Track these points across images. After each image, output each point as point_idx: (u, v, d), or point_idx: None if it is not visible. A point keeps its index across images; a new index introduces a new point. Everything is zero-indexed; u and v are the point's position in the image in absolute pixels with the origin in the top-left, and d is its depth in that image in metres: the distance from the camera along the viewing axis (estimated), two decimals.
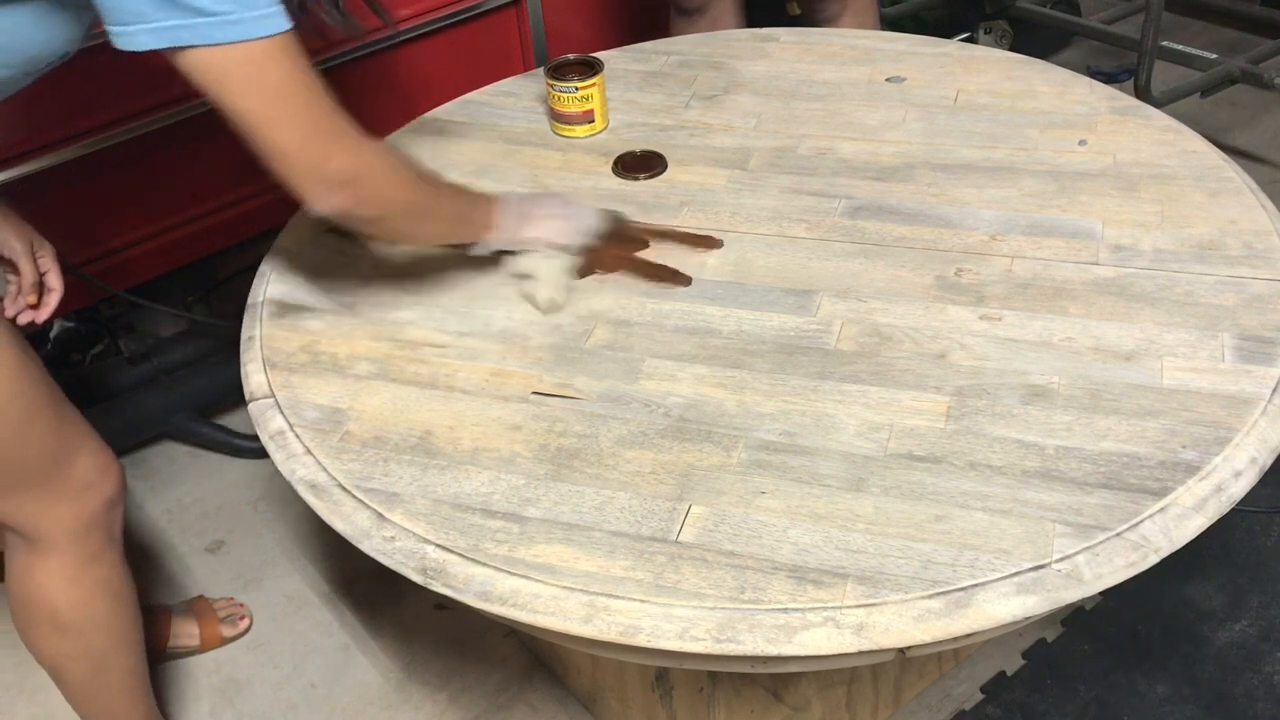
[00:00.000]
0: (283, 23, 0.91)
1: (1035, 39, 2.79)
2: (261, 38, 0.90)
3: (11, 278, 1.20)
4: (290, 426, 1.05)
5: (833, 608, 0.84)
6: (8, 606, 1.26)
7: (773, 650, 0.83)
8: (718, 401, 1.04)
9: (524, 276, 1.19)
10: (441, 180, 1.14)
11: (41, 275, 1.21)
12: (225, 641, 1.61)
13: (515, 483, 0.98)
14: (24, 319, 1.20)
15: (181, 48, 0.89)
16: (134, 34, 0.88)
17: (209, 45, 0.89)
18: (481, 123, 1.53)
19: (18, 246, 1.19)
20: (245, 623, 1.63)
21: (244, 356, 1.16)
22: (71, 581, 1.21)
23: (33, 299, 1.21)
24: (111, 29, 0.89)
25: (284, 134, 0.94)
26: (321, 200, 0.98)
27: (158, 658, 1.57)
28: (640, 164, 1.40)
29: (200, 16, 0.87)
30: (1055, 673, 1.49)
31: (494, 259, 1.20)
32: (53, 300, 1.21)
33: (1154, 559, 0.88)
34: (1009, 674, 1.50)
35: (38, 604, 1.22)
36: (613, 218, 1.26)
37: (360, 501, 0.97)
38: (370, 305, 1.21)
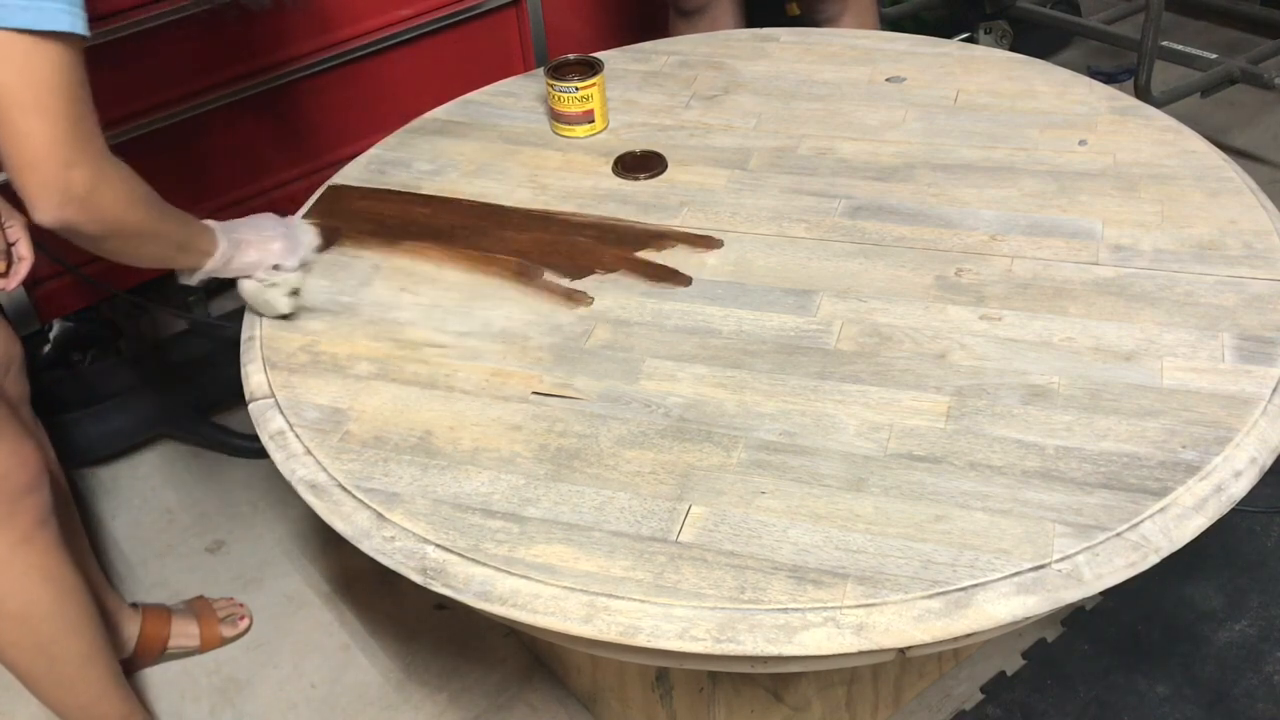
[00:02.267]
0: (78, 24, 0.91)
1: (1035, 39, 2.79)
2: (50, 31, 0.89)
3: None
4: (290, 426, 1.05)
5: (833, 608, 0.84)
6: None
7: (773, 650, 0.83)
8: (718, 401, 1.04)
9: (250, 302, 1.19)
10: (167, 205, 1.11)
11: (11, 245, 1.19)
12: (225, 641, 1.61)
13: (515, 483, 0.98)
14: None
15: None
16: None
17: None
18: (481, 123, 1.53)
19: None
20: (245, 623, 1.63)
21: (244, 356, 1.16)
22: (3, 567, 1.20)
23: (1, 266, 1.19)
24: None
25: (38, 125, 0.92)
26: (52, 207, 0.95)
27: (157, 658, 1.57)
28: (640, 164, 1.40)
29: None
30: (1055, 673, 1.49)
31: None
32: (22, 269, 1.19)
33: (1154, 559, 0.88)
34: (1009, 674, 1.50)
35: None
36: (322, 232, 1.28)
37: (360, 501, 0.97)
38: (370, 305, 1.21)
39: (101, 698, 1.35)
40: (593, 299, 1.19)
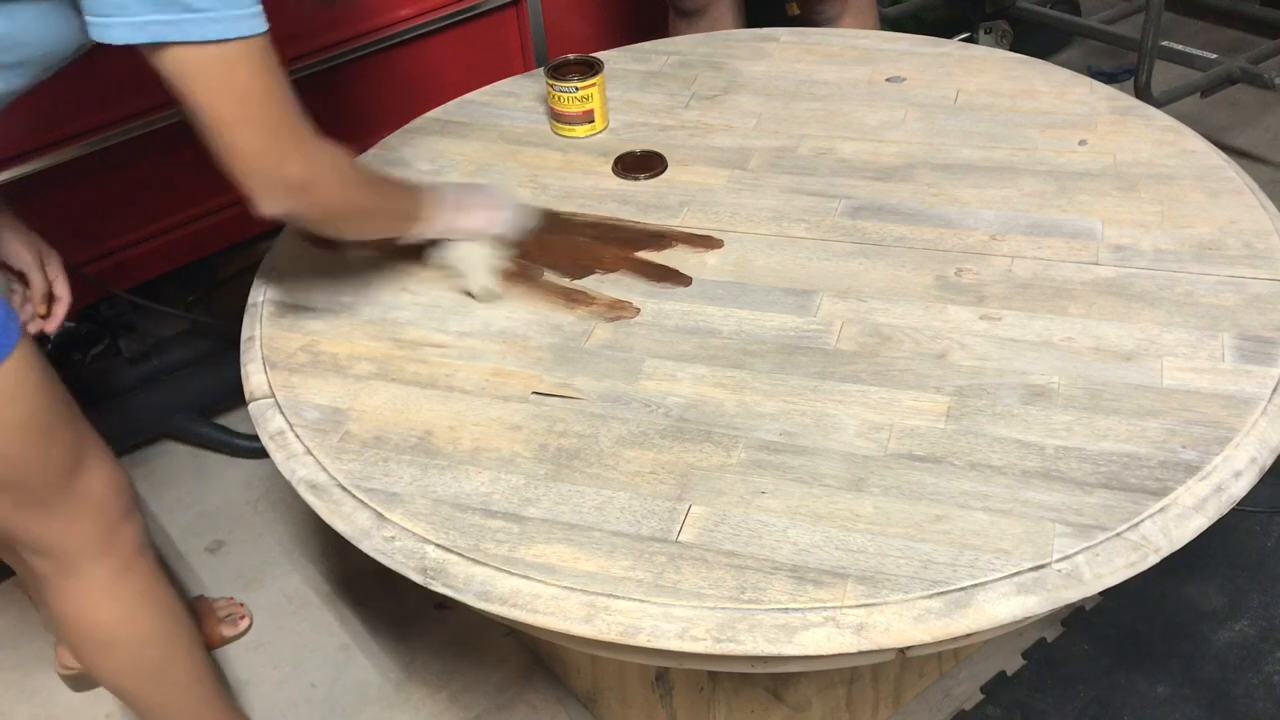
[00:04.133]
0: (261, 24, 0.91)
1: (1035, 39, 2.79)
2: (238, 38, 0.90)
3: (16, 287, 1.20)
4: (290, 426, 1.05)
5: (833, 608, 0.84)
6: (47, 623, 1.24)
7: (773, 650, 0.83)
8: (718, 401, 1.04)
9: (452, 268, 1.21)
10: (382, 177, 1.16)
11: (49, 284, 1.21)
12: (225, 641, 1.61)
13: (515, 483, 0.98)
14: (34, 328, 1.20)
15: (159, 44, 0.89)
16: (113, 26, 0.88)
17: (186, 43, 0.89)
18: (481, 123, 1.53)
19: (28, 258, 1.19)
20: (245, 622, 1.63)
21: (244, 356, 1.16)
22: (109, 596, 1.19)
23: (43, 309, 1.21)
24: (91, 19, 0.89)
25: (245, 136, 0.94)
26: (273, 203, 0.99)
27: None
28: (640, 164, 1.40)
29: (184, 13, 0.87)
30: (1055, 673, 1.49)
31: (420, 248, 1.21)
32: (60, 311, 1.21)
33: (1154, 559, 0.88)
34: (1009, 674, 1.50)
35: (81, 625, 1.21)
36: (543, 214, 1.30)
37: (360, 501, 0.97)
38: (370, 305, 1.21)
39: (209, 714, 1.34)
40: (595, 299, 1.19)
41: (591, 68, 1.47)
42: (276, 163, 0.97)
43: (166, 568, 1.73)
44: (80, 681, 1.54)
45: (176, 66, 0.90)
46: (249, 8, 0.90)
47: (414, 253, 1.22)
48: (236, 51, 0.91)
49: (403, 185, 1.20)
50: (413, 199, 1.17)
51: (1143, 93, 2.33)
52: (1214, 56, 2.44)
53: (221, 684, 1.37)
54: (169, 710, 1.30)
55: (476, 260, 1.20)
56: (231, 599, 1.65)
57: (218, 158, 0.96)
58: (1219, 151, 1.35)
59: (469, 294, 1.19)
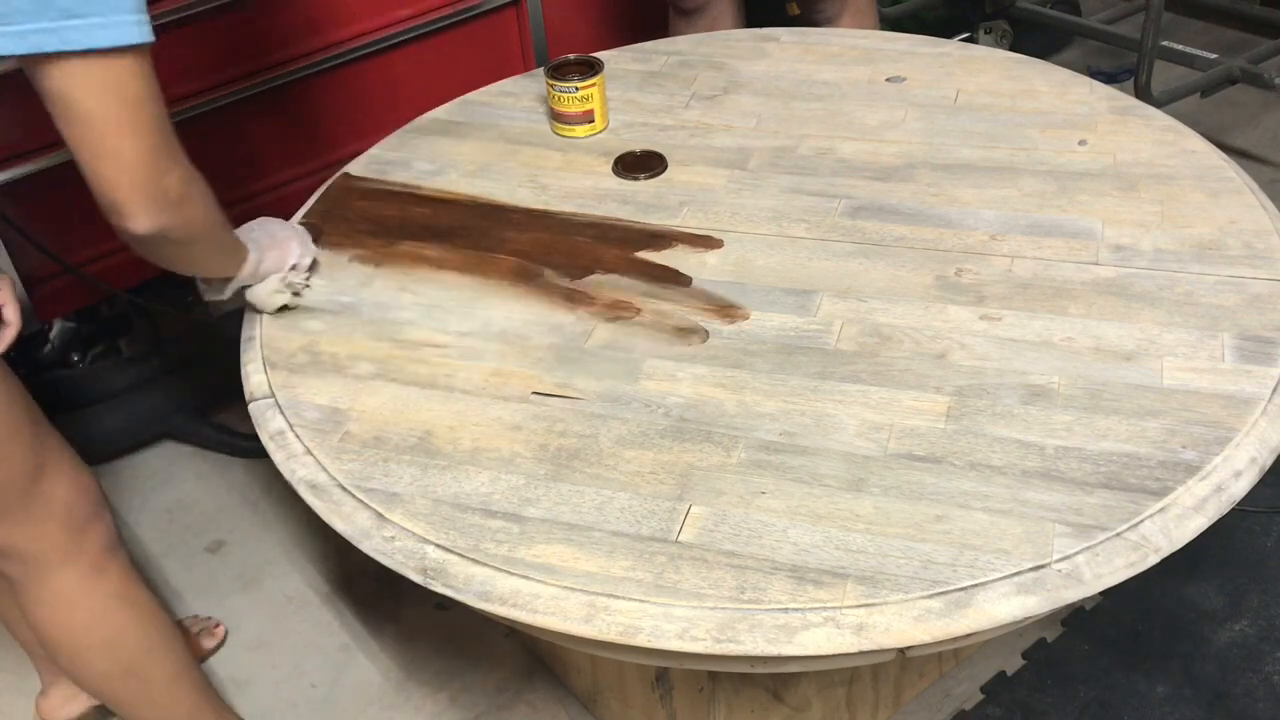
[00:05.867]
0: (147, 32, 0.90)
1: (1035, 39, 2.79)
2: (126, 45, 0.88)
3: None
4: (290, 426, 1.05)
5: (833, 608, 0.84)
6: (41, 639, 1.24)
7: (773, 650, 0.83)
8: (718, 401, 1.04)
9: (265, 299, 1.19)
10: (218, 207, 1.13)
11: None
12: (209, 653, 1.60)
13: (515, 483, 0.98)
14: None
15: (42, 54, 0.86)
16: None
17: (72, 51, 0.86)
18: (481, 123, 1.53)
19: None
20: (221, 630, 1.62)
21: (244, 356, 1.16)
22: (82, 598, 1.19)
23: None
24: None
25: (131, 144, 0.92)
26: (150, 217, 0.96)
27: None
28: (640, 164, 1.40)
29: (65, 19, 0.85)
30: (1055, 673, 1.49)
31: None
32: (8, 335, 1.16)
33: (1154, 559, 0.88)
34: (1009, 674, 1.50)
35: (55, 629, 1.21)
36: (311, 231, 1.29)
37: (360, 501, 0.97)
38: (370, 305, 1.21)
39: (195, 711, 1.34)
40: (595, 299, 1.19)
41: (591, 68, 1.47)
42: (159, 174, 0.95)
43: (165, 567, 1.74)
44: None
45: (60, 76, 0.88)
46: (135, 14, 0.88)
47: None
48: (123, 59, 0.89)
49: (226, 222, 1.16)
50: (234, 237, 1.14)
51: (1143, 93, 2.32)
52: (1214, 56, 2.43)
53: (205, 682, 1.37)
54: (153, 708, 1.30)
55: (274, 296, 1.19)
56: (196, 616, 1.64)
57: (92, 174, 0.94)
58: (1219, 151, 1.35)
59: (268, 312, 1.19)
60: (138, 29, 0.89)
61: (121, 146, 0.92)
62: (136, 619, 1.25)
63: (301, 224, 1.31)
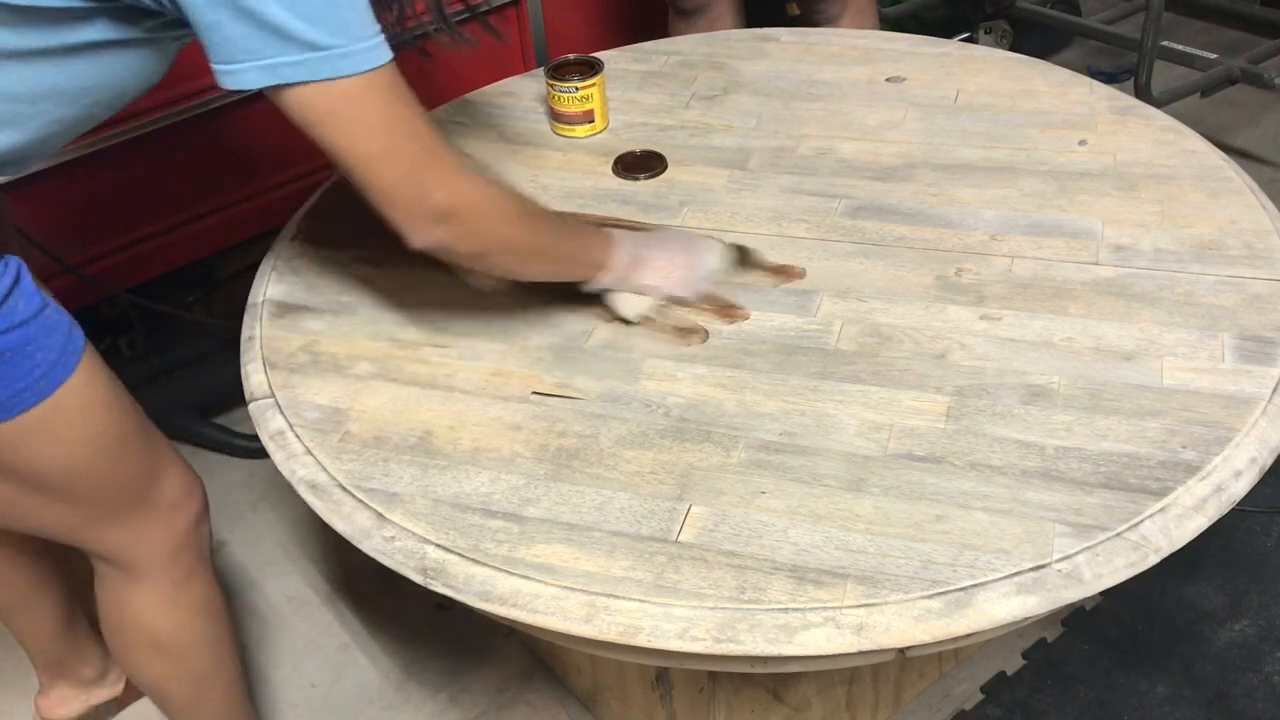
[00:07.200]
0: (386, 52, 0.89)
1: (1035, 39, 2.79)
2: (366, 71, 0.88)
3: None
4: (290, 426, 1.05)
5: (833, 608, 0.84)
6: (101, 629, 1.23)
7: (773, 650, 0.83)
8: (718, 401, 1.04)
9: (609, 303, 1.15)
10: (553, 216, 1.09)
11: None
12: None
13: (515, 483, 0.98)
14: None
15: (288, 85, 0.87)
16: (244, 71, 0.86)
17: (316, 81, 0.86)
18: (481, 123, 1.53)
19: None
20: None
21: (244, 356, 1.16)
22: (169, 604, 1.18)
23: None
24: (219, 67, 0.87)
25: (383, 170, 0.92)
26: (421, 235, 0.96)
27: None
28: (640, 164, 1.40)
29: (309, 51, 0.85)
30: (1055, 673, 1.49)
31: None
32: None
33: (1154, 559, 0.88)
34: (1009, 674, 1.50)
35: (135, 629, 1.19)
36: (735, 253, 1.21)
37: (360, 501, 0.97)
38: (370, 305, 1.21)
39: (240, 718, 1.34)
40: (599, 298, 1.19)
41: (591, 68, 1.47)
42: (420, 193, 0.94)
43: None
44: None
45: (305, 106, 0.88)
46: (372, 38, 0.88)
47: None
48: (365, 85, 0.88)
49: (578, 227, 1.11)
50: (587, 243, 1.11)
51: (1143, 93, 2.33)
52: (1214, 56, 2.44)
53: (248, 690, 1.37)
54: (203, 714, 1.29)
55: (634, 301, 1.14)
56: None
57: (360, 192, 0.94)
58: (1219, 151, 1.35)
59: (623, 319, 1.14)
60: (377, 52, 0.89)
61: (378, 172, 0.92)
62: (214, 630, 1.24)
63: (727, 242, 1.22)
